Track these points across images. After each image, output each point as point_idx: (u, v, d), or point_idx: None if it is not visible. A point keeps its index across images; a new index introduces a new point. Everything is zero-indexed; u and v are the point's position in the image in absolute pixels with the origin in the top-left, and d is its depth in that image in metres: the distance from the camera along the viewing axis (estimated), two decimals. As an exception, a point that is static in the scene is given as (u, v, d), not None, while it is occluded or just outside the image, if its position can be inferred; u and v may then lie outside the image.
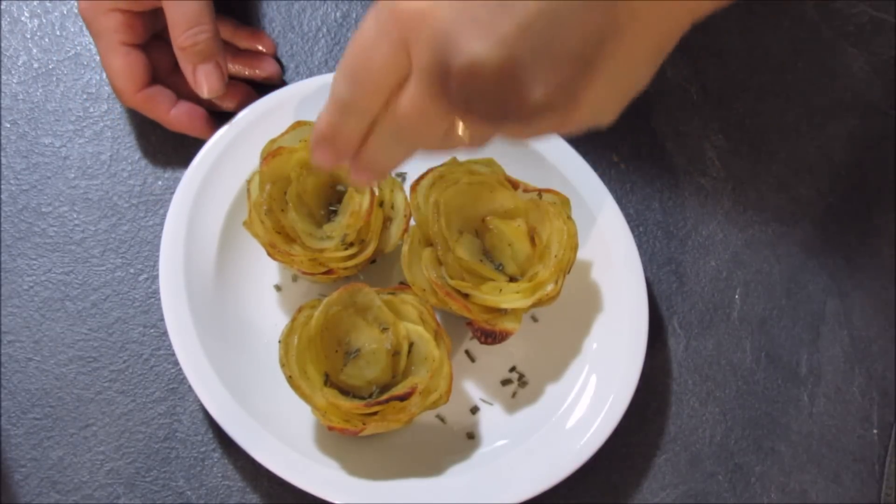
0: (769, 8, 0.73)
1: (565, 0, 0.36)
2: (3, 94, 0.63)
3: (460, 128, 0.40)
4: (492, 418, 0.58)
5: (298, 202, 0.56)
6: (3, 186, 0.61)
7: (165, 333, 0.56)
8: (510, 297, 0.55)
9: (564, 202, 0.58)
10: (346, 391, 0.54)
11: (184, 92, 0.60)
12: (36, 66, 0.64)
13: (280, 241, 0.55)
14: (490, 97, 0.37)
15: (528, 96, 0.37)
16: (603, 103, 0.39)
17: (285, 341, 0.53)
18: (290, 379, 0.52)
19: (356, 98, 0.41)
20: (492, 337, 0.56)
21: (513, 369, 0.60)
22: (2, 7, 0.65)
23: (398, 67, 0.39)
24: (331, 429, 0.53)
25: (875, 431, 0.62)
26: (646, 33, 0.37)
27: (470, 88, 0.37)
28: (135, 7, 0.58)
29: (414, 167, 0.61)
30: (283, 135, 0.57)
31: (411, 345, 0.54)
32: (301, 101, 0.61)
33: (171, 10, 0.57)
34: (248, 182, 0.56)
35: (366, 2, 0.68)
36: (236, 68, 0.63)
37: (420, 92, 0.39)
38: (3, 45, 0.64)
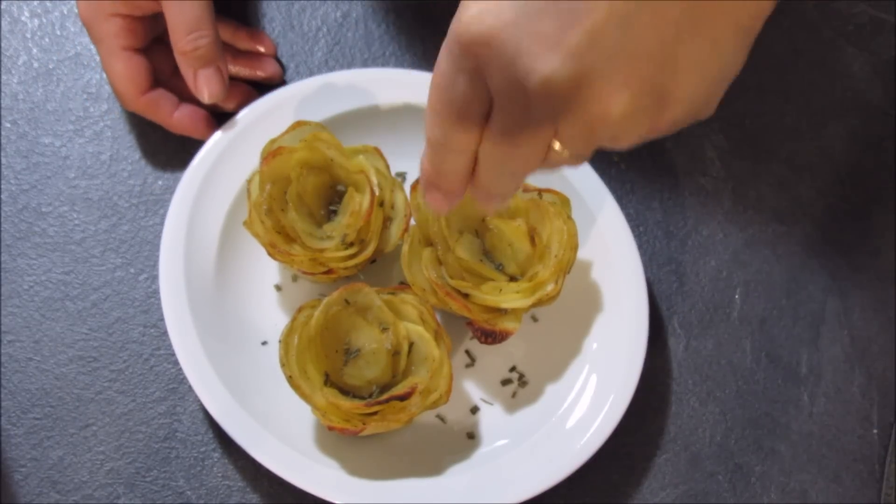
0: (769, 8, 0.73)
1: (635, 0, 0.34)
2: (3, 94, 0.63)
3: (557, 144, 0.39)
4: (492, 418, 0.58)
5: (298, 202, 0.56)
6: (3, 186, 0.61)
7: (165, 333, 0.56)
8: (510, 297, 0.55)
9: (564, 202, 0.58)
10: (346, 391, 0.54)
11: (185, 94, 0.60)
12: (36, 66, 0.64)
13: (280, 240, 0.55)
14: (573, 111, 0.36)
15: (612, 103, 0.35)
16: (696, 96, 0.37)
17: (285, 341, 0.53)
18: (290, 379, 0.52)
19: (448, 136, 0.40)
20: (492, 337, 0.56)
21: (513, 369, 0.60)
22: (2, 7, 0.65)
23: (480, 97, 0.38)
24: (331, 429, 0.53)
25: (875, 431, 0.62)
26: (724, 17, 0.36)
27: (550, 106, 0.36)
28: (135, 11, 0.58)
29: (414, 167, 0.61)
30: (283, 135, 0.57)
31: (411, 345, 0.54)
32: (301, 101, 0.61)
33: (171, 14, 0.57)
34: (248, 182, 0.56)
35: (365, 1, 0.68)
36: (236, 69, 0.63)
37: (504, 118, 0.38)
38: (3, 45, 0.64)
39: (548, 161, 0.40)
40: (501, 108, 0.38)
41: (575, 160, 0.40)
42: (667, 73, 0.36)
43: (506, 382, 0.59)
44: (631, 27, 0.34)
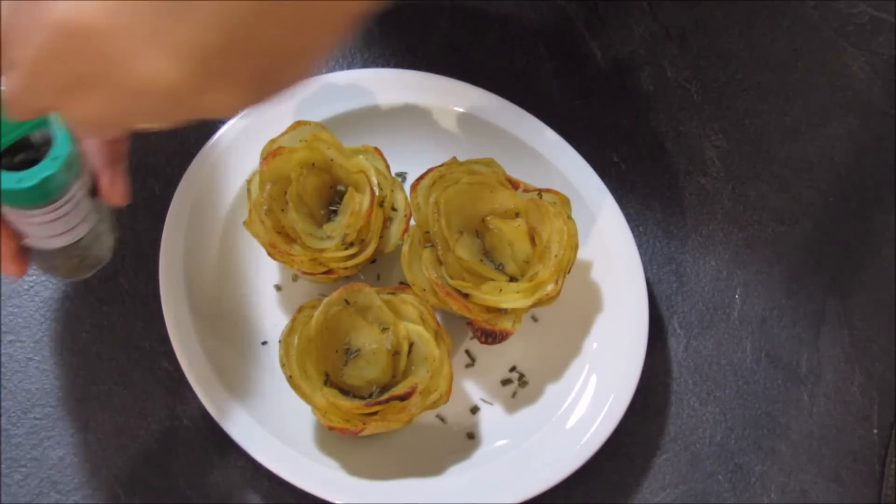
0: (769, 8, 0.73)
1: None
2: (3, 94, 0.63)
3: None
4: (492, 418, 0.58)
5: (298, 202, 0.56)
6: (3, 186, 0.61)
7: (165, 333, 0.56)
8: (510, 297, 0.55)
9: (564, 202, 0.58)
10: (346, 391, 0.54)
11: None
12: (36, 66, 0.64)
13: (280, 241, 0.55)
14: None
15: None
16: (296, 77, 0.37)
17: (285, 341, 0.53)
18: (290, 379, 0.52)
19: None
20: (492, 337, 0.56)
21: (513, 369, 0.60)
22: (2, 7, 0.65)
23: None
24: (331, 429, 0.53)
25: (875, 431, 0.62)
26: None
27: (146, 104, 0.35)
28: None
29: (414, 167, 0.61)
30: (283, 135, 0.57)
31: (411, 345, 0.54)
32: (301, 101, 0.61)
33: None
34: (248, 182, 0.56)
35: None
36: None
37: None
38: (3, 45, 0.64)
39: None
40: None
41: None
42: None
43: (506, 382, 0.59)
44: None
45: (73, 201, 0.46)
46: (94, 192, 0.48)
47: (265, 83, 0.36)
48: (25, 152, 0.45)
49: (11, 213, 0.45)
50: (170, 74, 0.33)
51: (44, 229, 0.46)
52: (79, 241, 0.49)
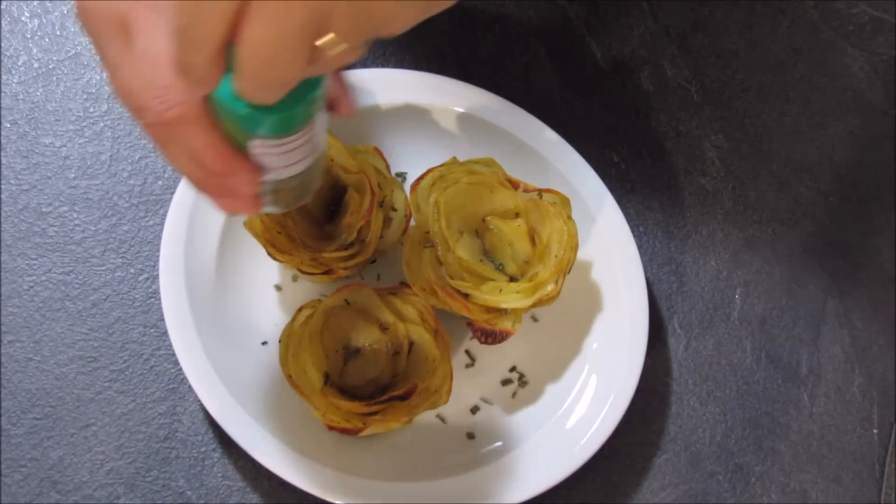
0: (769, 8, 0.73)
1: None
2: (3, 94, 0.63)
3: (326, 38, 0.37)
4: (492, 418, 0.58)
5: (298, 202, 0.56)
6: (3, 186, 0.61)
7: (165, 333, 0.56)
8: (510, 297, 0.55)
9: (564, 202, 0.58)
10: (346, 391, 0.54)
11: None
12: (36, 66, 0.64)
13: (280, 240, 0.55)
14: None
15: None
16: None
17: (285, 341, 0.53)
18: (290, 379, 0.52)
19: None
20: (492, 337, 0.56)
21: (513, 369, 0.60)
22: (2, 7, 0.65)
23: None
24: (331, 429, 0.53)
25: (875, 431, 0.62)
26: None
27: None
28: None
29: (414, 167, 0.61)
30: (283, 135, 0.57)
31: (411, 345, 0.54)
32: (301, 101, 0.61)
33: None
34: (248, 182, 0.56)
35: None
36: None
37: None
38: (3, 45, 0.64)
39: (320, 62, 0.38)
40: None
41: (353, 54, 0.38)
42: None
43: (506, 382, 0.59)
44: None
45: (318, 123, 0.44)
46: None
47: None
48: None
49: (260, 146, 0.42)
50: None
51: (286, 158, 0.44)
52: (309, 166, 0.46)
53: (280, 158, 0.44)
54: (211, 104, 0.41)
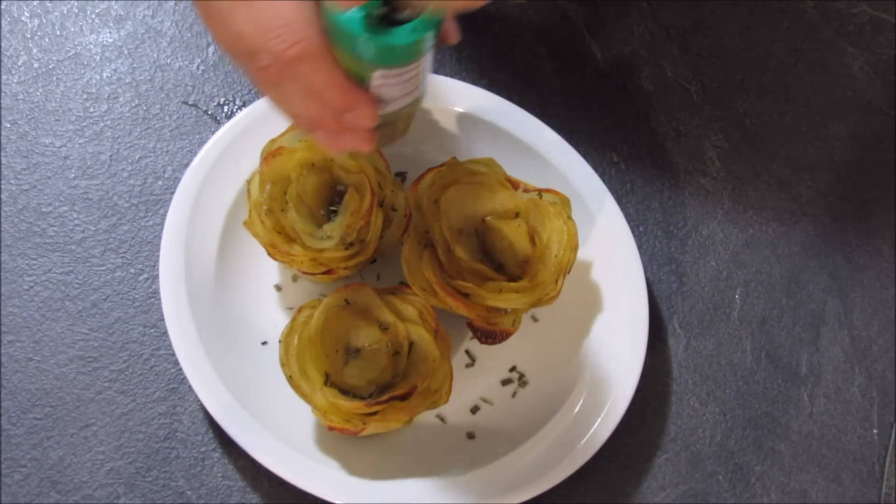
0: (769, 8, 0.73)
1: None
2: (3, 94, 0.63)
3: None
4: (492, 418, 0.58)
5: (298, 202, 0.56)
6: (3, 186, 0.61)
7: (165, 333, 0.56)
8: (510, 297, 0.55)
9: (564, 202, 0.58)
10: (346, 391, 0.54)
11: None
12: (36, 66, 0.64)
13: (280, 241, 0.55)
14: None
15: None
16: None
17: (285, 341, 0.53)
18: (290, 379, 0.52)
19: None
20: (492, 337, 0.56)
21: (513, 369, 0.60)
22: (2, 7, 0.65)
23: None
24: (331, 429, 0.53)
25: (875, 431, 0.62)
26: None
27: None
28: None
29: (414, 167, 0.61)
30: (283, 135, 0.57)
31: (411, 345, 0.54)
32: (301, 101, 0.61)
33: None
34: (248, 182, 0.56)
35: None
36: None
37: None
38: (3, 45, 0.64)
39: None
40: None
41: None
42: None
43: (506, 382, 0.59)
44: None
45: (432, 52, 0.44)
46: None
47: None
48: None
49: (382, 77, 0.42)
50: None
51: (403, 87, 0.44)
52: (418, 97, 0.46)
53: (398, 88, 0.44)
54: (332, 41, 0.41)
